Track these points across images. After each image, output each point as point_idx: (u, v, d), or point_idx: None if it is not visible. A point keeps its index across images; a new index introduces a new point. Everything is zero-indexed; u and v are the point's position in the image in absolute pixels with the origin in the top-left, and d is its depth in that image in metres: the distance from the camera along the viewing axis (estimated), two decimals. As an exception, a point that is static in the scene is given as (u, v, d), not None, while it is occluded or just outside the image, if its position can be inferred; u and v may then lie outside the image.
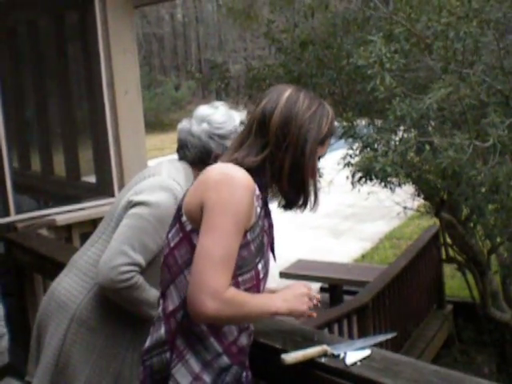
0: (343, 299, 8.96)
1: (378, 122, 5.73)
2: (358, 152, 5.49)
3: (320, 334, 2.29)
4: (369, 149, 5.21)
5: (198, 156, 2.64)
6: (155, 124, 33.21)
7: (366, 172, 4.35)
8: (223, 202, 1.82)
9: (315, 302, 2.13)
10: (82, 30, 5.34)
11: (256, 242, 1.93)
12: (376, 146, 4.81)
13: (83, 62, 5.46)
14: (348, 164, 5.54)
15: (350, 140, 5.42)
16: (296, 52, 6.42)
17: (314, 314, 2.14)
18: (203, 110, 2.69)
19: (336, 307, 7.25)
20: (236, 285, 1.89)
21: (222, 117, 2.64)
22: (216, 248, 1.80)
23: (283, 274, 9.15)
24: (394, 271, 7.45)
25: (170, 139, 33.04)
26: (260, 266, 1.97)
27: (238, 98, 7.80)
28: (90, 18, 4.91)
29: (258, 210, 1.92)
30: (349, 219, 14.93)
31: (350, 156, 5.62)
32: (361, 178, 5.08)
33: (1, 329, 3.78)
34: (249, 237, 1.90)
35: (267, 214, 2.02)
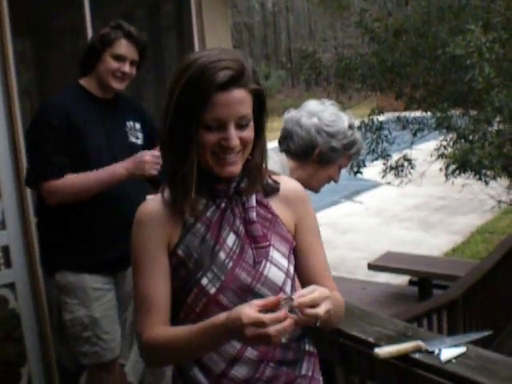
0: (432, 293, 8.79)
1: (472, 113, 5.57)
2: (451, 143, 5.35)
3: (414, 329, 2.26)
4: (463, 140, 5.08)
5: (301, 148, 2.63)
6: (245, 113, 33.33)
7: (461, 164, 4.24)
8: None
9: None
10: (177, 21, 5.41)
11: (193, 257, 1.72)
12: (471, 137, 4.67)
13: (178, 53, 5.53)
14: (442, 155, 5.41)
15: (444, 131, 5.29)
16: (389, 41, 6.31)
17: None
18: (314, 105, 2.68)
19: (426, 301, 7.11)
20: (189, 309, 1.74)
21: (332, 115, 2.63)
22: (136, 290, 1.77)
23: (372, 266, 9.06)
24: (486, 266, 7.23)
25: (258, 128, 33.13)
26: (205, 281, 1.70)
27: (328, 88, 7.75)
28: (184, 8, 4.97)
29: (185, 223, 1.75)
30: (439, 212, 14.60)
31: (444, 147, 5.49)
32: (455, 170, 4.96)
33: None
34: (181, 253, 1.73)
35: (223, 216, 1.77)
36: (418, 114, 7.65)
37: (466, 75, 4.35)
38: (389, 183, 8.41)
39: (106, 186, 3.02)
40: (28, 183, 3.23)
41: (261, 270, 1.74)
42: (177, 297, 1.76)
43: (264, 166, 1.80)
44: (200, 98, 1.62)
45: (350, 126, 2.60)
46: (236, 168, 1.70)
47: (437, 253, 11.32)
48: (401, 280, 9.82)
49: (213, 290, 1.71)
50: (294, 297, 1.52)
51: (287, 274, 1.79)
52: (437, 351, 2.04)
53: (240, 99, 1.64)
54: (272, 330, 1.46)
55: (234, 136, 1.65)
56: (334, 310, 1.62)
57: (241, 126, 1.66)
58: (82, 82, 3.19)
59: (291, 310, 1.50)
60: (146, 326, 1.71)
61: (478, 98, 5.02)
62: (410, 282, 9.38)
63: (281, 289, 1.76)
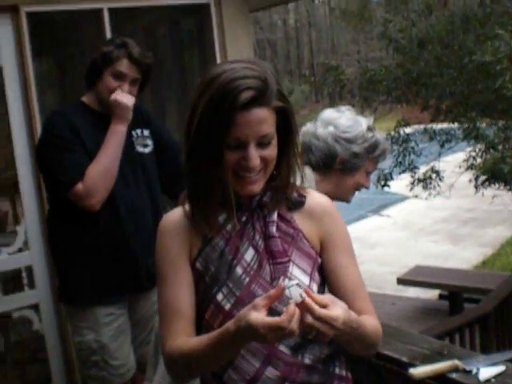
0: (464, 308, 8.63)
1: (502, 122, 5.45)
2: (480, 154, 5.24)
3: (449, 347, 2.16)
4: (492, 150, 4.96)
5: (322, 160, 2.54)
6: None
7: (491, 174, 4.12)
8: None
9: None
10: (199, 37, 5.38)
11: (210, 271, 1.69)
12: (501, 147, 4.56)
13: (200, 68, 5.50)
14: (471, 166, 5.30)
15: (473, 141, 5.18)
16: (414, 51, 6.22)
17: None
18: (329, 113, 2.61)
19: (457, 316, 6.96)
20: (208, 326, 1.69)
21: (348, 121, 2.54)
22: (159, 300, 1.76)
23: (401, 281, 8.94)
24: (518, 279, 7.09)
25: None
26: (220, 297, 1.67)
27: (353, 101, 7.66)
28: (206, 24, 4.93)
29: (205, 235, 1.71)
30: (468, 224, 14.41)
31: (473, 158, 5.37)
32: (485, 181, 4.84)
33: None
34: (200, 267, 1.72)
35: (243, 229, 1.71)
36: (444, 125, 7.57)
37: (495, 83, 4.23)
38: (416, 196, 8.30)
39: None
40: (59, 195, 3.06)
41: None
42: (198, 313, 1.73)
43: (291, 182, 1.74)
44: (222, 119, 1.57)
45: (370, 129, 2.51)
46: (257, 187, 1.65)
47: (466, 266, 11.18)
48: (431, 294, 9.68)
49: (228, 306, 1.67)
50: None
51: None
52: (475, 370, 1.94)
53: (261, 119, 1.59)
54: (293, 325, 1.43)
55: (254, 156, 1.60)
56: (361, 334, 1.58)
57: (262, 145, 1.61)
58: (84, 98, 3.13)
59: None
60: (168, 336, 1.69)
61: (507, 106, 4.90)
62: (441, 297, 9.27)
63: None
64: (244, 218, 1.72)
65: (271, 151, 1.63)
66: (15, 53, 3.74)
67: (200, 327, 1.73)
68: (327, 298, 1.51)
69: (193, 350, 1.62)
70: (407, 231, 14.10)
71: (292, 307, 1.44)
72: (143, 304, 3.23)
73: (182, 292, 1.71)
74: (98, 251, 3.05)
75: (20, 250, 3.84)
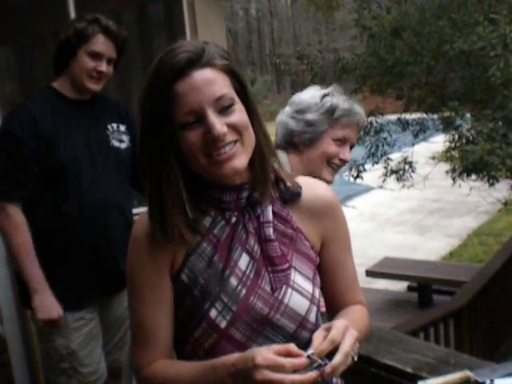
0: (433, 299, 8.62)
1: (486, 112, 5.32)
2: (459, 144, 5.10)
3: (456, 356, 1.99)
4: (466, 141, 4.84)
5: (284, 139, 2.40)
6: (231, 119, 33.17)
7: (473, 166, 3.98)
8: None
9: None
10: (168, 22, 5.18)
11: (199, 284, 1.44)
12: (481, 138, 4.42)
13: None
14: (450, 158, 5.17)
15: (454, 131, 5.05)
16: (388, 39, 6.07)
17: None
18: (295, 95, 2.47)
19: (431, 310, 6.91)
20: (196, 344, 1.46)
21: (303, 95, 2.40)
22: (132, 318, 1.53)
23: (370, 273, 8.85)
24: (489, 272, 7.05)
25: (246, 134, 33.07)
26: (214, 313, 1.42)
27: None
28: (176, 9, 4.72)
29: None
30: (434, 215, 14.42)
31: (452, 149, 5.24)
32: (462, 173, 4.72)
33: None
34: (185, 279, 1.45)
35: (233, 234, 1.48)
36: (418, 115, 7.46)
37: (475, 71, 4.09)
38: (381, 187, 8.19)
39: None
40: None
41: (280, 297, 1.46)
42: (183, 329, 1.49)
43: (269, 155, 1.49)
44: (162, 95, 1.35)
45: (326, 95, 2.33)
46: (238, 162, 1.39)
47: (434, 257, 11.17)
48: (399, 286, 9.62)
49: (223, 324, 1.43)
50: (311, 351, 1.28)
51: (312, 300, 1.50)
52: (488, 382, 1.77)
53: (208, 79, 1.37)
54: (288, 380, 1.23)
55: (216, 122, 1.35)
56: (360, 330, 1.46)
57: (223, 111, 1.37)
58: (55, 84, 2.89)
59: (318, 366, 1.27)
60: (143, 361, 1.48)
61: (486, 96, 4.77)
62: (409, 288, 9.22)
63: (304, 318, 1.48)
64: (234, 220, 1.48)
65: (238, 116, 1.39)
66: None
67: (182, 345, 1.50)
68: (333, 334, 1.31)
69: (176, 377, 1.43)
70: (373, 222, 14.06)
71: (303, 360, 1.27)
72: (116, 307, 3.02)
73: (159, 311, 1.48)
74: (64, 252, 2.83)
75: (-23, 248, 3.59)
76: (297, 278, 1.48)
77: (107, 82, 2.92)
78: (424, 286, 8.72)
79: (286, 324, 1.45)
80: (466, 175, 4.73)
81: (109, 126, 2.94)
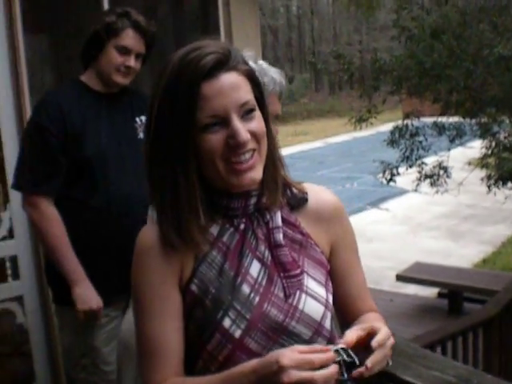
0: (463, 307, 8.48)
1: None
2: (497, 152, 4.99)
3: (478, 375, 1.91)
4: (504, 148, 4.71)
5: None
6: (268, 116, 33.07)
7: (510, 174, 3.88)
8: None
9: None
10: (203, 18, 5.15)
11: (210, 293, 1.39)
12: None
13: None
14: (485, 165, 5.06)
15: (490, 137, 4.93)
16: (427, 41, 5.96)
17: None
18: None
19: (461, 318, 6.78)
20: (209, 358, 1.40)
21: None
22: (140, 333, 1.45)
23: (400, 277, 8.74)
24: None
25: (282, 132, 32.75)
26: (227, 322, 1.38)
27: (359, 91, 7.41)
28: (211, 5, 4.69)
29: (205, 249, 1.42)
30: (468, 220, 14.20)
31: (488, 156, 5.13)
32: (499, 180, 4.61)
33: None
34: (196, 290, 1.41)
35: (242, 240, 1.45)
36: (455, 119, 7.33)
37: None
38: (416, 190, 8.08)
39: None
40: (14, 186, 2.92)
41: (295, 303, 1.42)
42: (194, 343, 1.42)
43: (280, 163, 1.49)
44: (187, 95, 1.31)
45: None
46: (256, 173, 1.38)
47: (466, 263, 11.00)
48: (429, 292, 9.49)
49: (238, 333, 1.38)
50: (341, 345, 1.25)
51: (326, 305, 1.47)
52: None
53: (235, 84, 1.35)
54: (319, 375, 1.20)
55: (241, 128, 1.33)
56: None
57: (246, 117, 1.35)
58: (83, 77, 2.88)
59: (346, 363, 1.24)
60: (154, 380, 1.40)
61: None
62: (440, 295, 9.10)
63: (320, 324, 1.44)
64: (242, 226, 1.44)
65: (258, 123, 1.37)
66: (5, 28, 3.46)
67: (194, 360, 1.44)
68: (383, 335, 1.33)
69: None
70: (406, 226, 13.90)
71: (331, 355, 1.23)
72: None
73: (169, 325, 1.42)
74: (92, 247, 2.81)
75: (4, 239, 3.58)
76: (310, 283, 1.45)
77: (142, 77, 2.89)
78: (455, 293, 8.59)
79: (301, 331, 1.42)
80: (501, 183, 4.60)
81: (137, 119, 2.91)
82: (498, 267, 11.00)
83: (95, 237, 2.79)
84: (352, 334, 1.29)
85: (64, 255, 2.74)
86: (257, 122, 1.37)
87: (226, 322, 1.38)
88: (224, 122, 1.33)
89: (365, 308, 1.61)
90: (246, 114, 1.35)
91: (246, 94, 1.36)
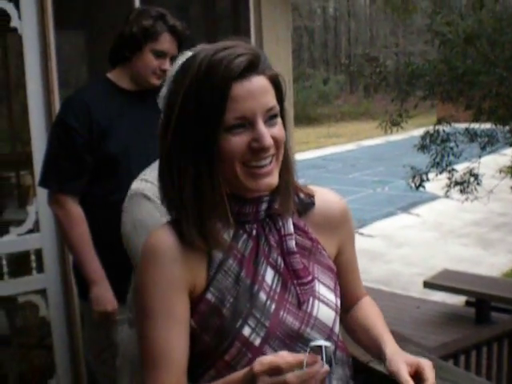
0: (490, 316, 8.37)
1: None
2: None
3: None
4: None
5: None
6: (302, 117, 33.11)
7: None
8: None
9: None
10: (234, 18, 5.15)
11: (229, 302, 1.37)
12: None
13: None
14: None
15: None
16: (461, 47, 5.89)
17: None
18: None
19: (486, 328, 6.71)
20: (225, 367, 1.38)
21: None
22: (144, 340, 1.41)
23: (428, 284, 8.65)
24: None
25: (315, 133, 33.01)
26: (247, 331, 1.36)
27: (392, 95, 7.36)
28: (242, 5, 4.69)
29: (212, 258, 1.40)
30: (499, 229, 14.01)
31: (518, 164, 5.05)
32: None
33: None
34: (212, 298, 1.38)
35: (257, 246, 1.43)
36: (487, 125, 7.24)
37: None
38: (447, 196, 8.00)
39: None
40: (41, 184, 2.95)
41: (309, 310, 1.43)
42: (208, 352, 1.40)
43: (293, 170, 1.47)
44: (217, 94, 1.29)
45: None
46: (273, 179, 1.37)
47: (496, 272, 10.86)
48: (457, 300, 9.39)
49: (258, 341, 1.36)
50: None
51: (336, 310, 1.48)
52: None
53: (264, 87, 1.34)
54: (291, 376, 1.20)
55: (266, 133, 1.32)
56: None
57: (269, 122, 1.34)
58: (110, 75, 2.90)
59: (329, 362, 1.26)
60: None
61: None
62: (467, 303, 8.98)
63: (331, 330, 1.45)
64: (254, 232, 1.43)
65: (280, 130, 1.37)
66: (37, 22, 3.50)
67: (204, 370, 1.42)
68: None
69: None
70: (436, 232, 13.77)
71: (303, 356, 1.23)
72: None
73: (176, 334, 1.38)
74: (112, 243, 2.82)
75: (30, 232, 3.63)
76: (321, 290, 1.46)
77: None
78: (482, 302, 8.47)
79: (315, 337, 1.41)
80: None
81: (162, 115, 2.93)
82: (528, 277, 10.86)
83: (115, 234, 2.80)
84: (405, 374, 1.37)
85: (85, 255, 2.77)
86: (279, 129, 1.36)
87: (246, 331, 1.36)
88: (250, 124, 1.32)
89: (359, 292, 1.70)
90: (270, 119, 1.35)
91: (272, 99, 1.36)
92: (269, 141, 1.32)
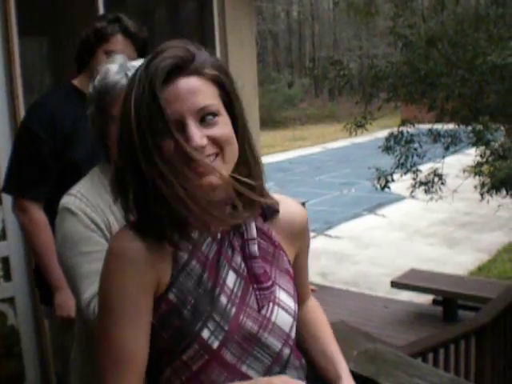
0: (457, 314, 8.48)
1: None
2: (490, 160, 5.00)
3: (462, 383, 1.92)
4: (499, 156, 4.73)
5: None
6: (267, 121, 33.17)
7: (501, 183, 3.89)
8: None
9: None
10: (198, 23, 5.17)
11: (189, 304, 1.36)
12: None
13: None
14: (479, 173, 5.07)
15: (483, 147, 4.95)
16: (423, 49, 5.98)
17: None
18: None
19: (453, 326, 6.77)
20: (182, 367, 1.38)
21: None
22: (106, 342, 1.38)
23: (395, 284, 8.74)
24: (517, 289, 6.89)
25: (281, 136, 33.10)
26: (206, 334, 1.35)
27: (354, 98, 7.43)
28: (206, 10, 4.71)
29: (177, 259, 1.40)
30: (465, 228, 14.18)
31: (481, 164, 5.14)
32: (492, 189, 4.61)
33: None
34: (174, 299, 1.37)
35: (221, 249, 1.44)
36: (450, 126, 7.34)
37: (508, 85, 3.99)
38: (413, 196, 8.09)
39: None
40: (4, 190, 2.96)
41: (268, 315, 1.43)
42: (166, 351, 1.40)
43: (256, 173, 1.44)
44: (148, 101, 1.30)
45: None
46: (215, 178, 1.33)
47: (462, 271, 10.99)
48: (424, 299, 9.48)
49: (216, 344, 1.36)
50: None
51: (294, 316, 1.48)
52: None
53: (192, 88, 1.33)
54: None
55: (195, 133, 1.30)
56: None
57: (205, 122, 1.33)
58: (75, 81, 2.90)
59: None
60: None
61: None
62: (434, 302, 9.08)
63: (288, 335, 1.46)
64: (219, 236, 1.43)
65: (221, 129, 1.35)
66: (0, 28, 3.48)
67: (159, 369, 1.42)
68: None
69: None
70: (402, 232, 13.89)
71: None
72: None
73: (140, 334, 1.36)
74: None
75: (-4, 240, 3.61)
76: (281, 295, 1.46)
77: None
78: (449, 301, 8.57)
79: (272, 343, 1.43)
80: (494, 191, 4.61)
81: None
82: (494, 275, 10.98)
83: None
84: None
85: (49, 262, 2.74)
86: (219, 128, 1.35)
87: (205, 334, 1.36)
88: (181, 126, 1.31)
89: (308, 294, 1.75)
90: (206, 119, 1.33)
91: (207, 98, 1.34)
92: (198, 141, 1.30)
